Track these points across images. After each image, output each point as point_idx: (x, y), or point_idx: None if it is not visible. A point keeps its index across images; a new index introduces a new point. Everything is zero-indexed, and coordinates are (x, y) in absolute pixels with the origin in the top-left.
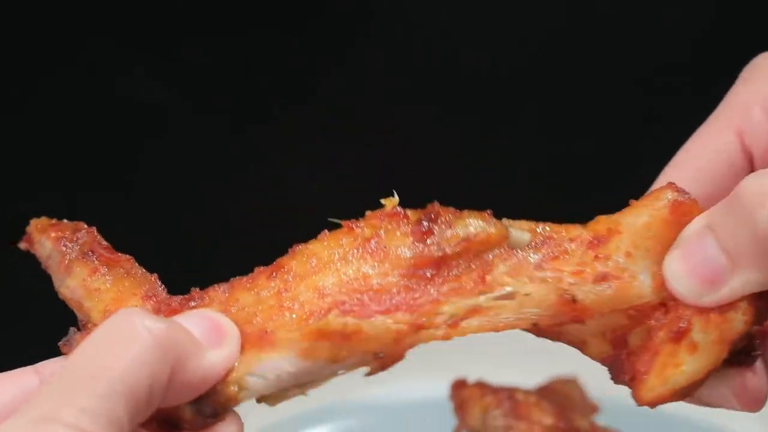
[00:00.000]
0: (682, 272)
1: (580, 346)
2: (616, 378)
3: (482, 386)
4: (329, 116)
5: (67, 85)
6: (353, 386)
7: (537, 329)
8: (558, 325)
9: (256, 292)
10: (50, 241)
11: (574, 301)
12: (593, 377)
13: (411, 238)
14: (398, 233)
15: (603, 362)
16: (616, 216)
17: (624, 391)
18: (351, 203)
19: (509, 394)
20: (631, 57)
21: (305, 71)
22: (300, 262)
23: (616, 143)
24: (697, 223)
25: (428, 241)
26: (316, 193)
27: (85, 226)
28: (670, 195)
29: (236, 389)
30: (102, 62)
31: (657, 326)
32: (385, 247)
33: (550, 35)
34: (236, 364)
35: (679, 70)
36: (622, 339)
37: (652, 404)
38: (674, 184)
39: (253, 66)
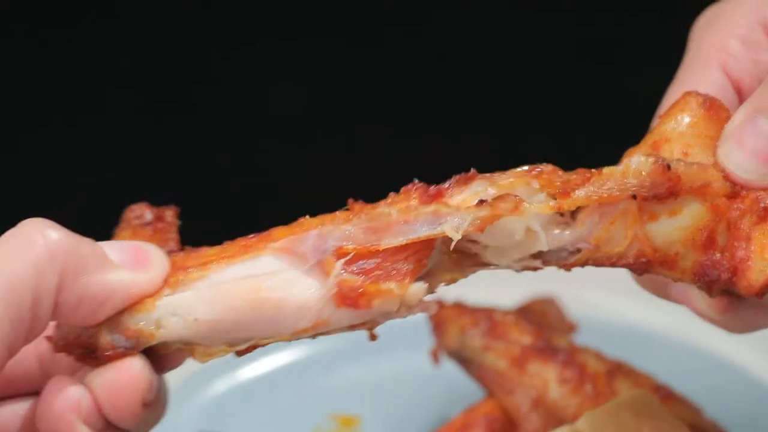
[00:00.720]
0: (742, 158)
1: (671, 266)
2: (713, 287)
3: (460, 307)
4: (328, 116)
5: (65, 86)
6: None
7: (637, 259)
8: (657, 199)
9: (225, 246)
10: (127, 211)
11: (668, 167)
12: (571, 297)
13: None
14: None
15: (698, 274)
16: (654, 131)
17: (602, 309)
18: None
19: (487, 314)
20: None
21: (305, 71)
22: (287, 228)
23: (617, 145)
24: (742, 112)
25: None
26: (314, 195)
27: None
28: (697, 97)
29: (153, 326)
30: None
31: (738, 216)
32: None
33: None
34: (157, 302)
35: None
36: (711, 239)
37: (766, 287)
38: (693, 90)
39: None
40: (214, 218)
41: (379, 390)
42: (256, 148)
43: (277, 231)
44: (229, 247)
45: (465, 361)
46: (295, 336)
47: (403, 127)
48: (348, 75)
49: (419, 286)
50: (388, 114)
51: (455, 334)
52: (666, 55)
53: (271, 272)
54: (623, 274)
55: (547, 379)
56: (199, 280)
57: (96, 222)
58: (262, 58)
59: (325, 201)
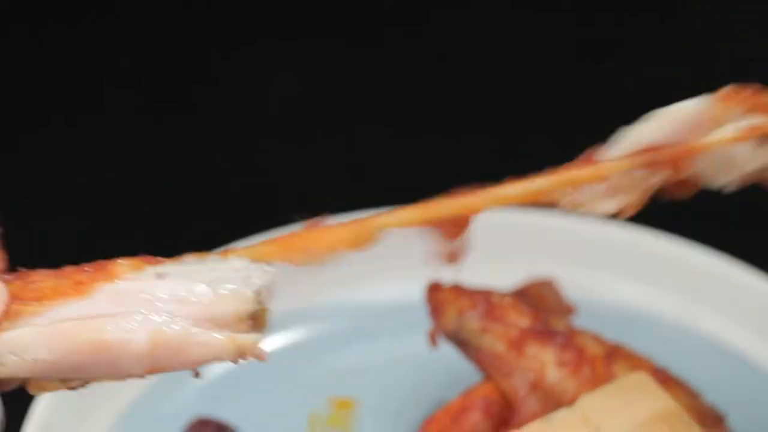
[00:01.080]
0: None
1: None
2: None
3: (457, 289)
4: (328, 116)
5: (65, 86)
6: (322, 289)
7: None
8: None
9: (59, 274)
10: None
11: None
12: (569, 279)
13: None
14: None
15: None
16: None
17: (600, 292)
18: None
19: (485, 296)
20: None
21: (305, 71)
22: (128, 260)
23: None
24: None
25: None
26: (314, 195)
27: None
28: None
29: None
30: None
31: None
32: None
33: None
34: None
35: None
36: None
37: None
38: None
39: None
40: (214, 218)
41: (376, 373)
42: (256, 148)
43: (116, 266)
44: (63, 278)
45: (462, 343)
46: (128, 378)
47: (403, 127)
48: (348, 75)
49: (257, 337)
50: (388, 114)
51: (453, 317)
52: (666, 55)
53: (113, 314)
54: (622, 256)
55: (545, 361)
56: (37, 315)
57: (96, 222)
58: (262, 58)
59: (325, 201)
